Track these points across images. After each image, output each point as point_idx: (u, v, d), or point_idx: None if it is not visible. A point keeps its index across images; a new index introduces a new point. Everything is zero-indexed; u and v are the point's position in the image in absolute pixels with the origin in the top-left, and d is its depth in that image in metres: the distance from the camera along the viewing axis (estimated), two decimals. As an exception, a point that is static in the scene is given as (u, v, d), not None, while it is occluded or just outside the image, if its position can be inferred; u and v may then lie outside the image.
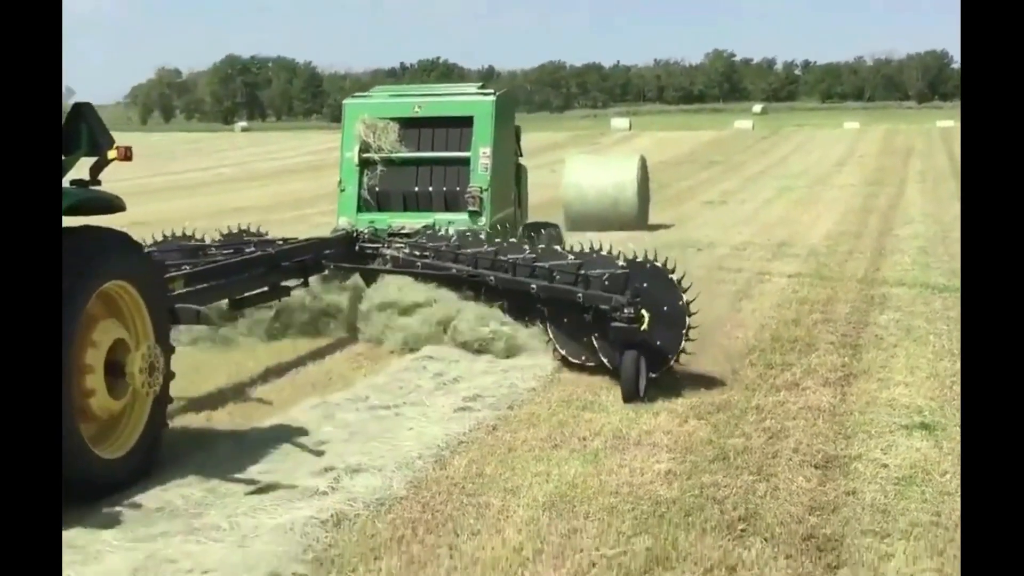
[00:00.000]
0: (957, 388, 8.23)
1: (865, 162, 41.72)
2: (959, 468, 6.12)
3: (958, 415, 7.26)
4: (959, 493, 5.87)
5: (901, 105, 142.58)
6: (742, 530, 5.62)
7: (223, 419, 8.05)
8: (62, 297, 6.04)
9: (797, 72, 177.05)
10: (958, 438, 6.78)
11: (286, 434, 7.48)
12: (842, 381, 8.77)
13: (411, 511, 6.02)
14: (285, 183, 37.91)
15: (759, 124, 79.70)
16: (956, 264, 14.51)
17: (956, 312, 11.22)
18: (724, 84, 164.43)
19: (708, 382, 8.69)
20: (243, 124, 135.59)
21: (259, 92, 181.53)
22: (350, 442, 7.35)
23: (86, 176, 6.82)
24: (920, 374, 8.95)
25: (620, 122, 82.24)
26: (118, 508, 6.10)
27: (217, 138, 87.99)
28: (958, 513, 5.59)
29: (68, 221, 6.39)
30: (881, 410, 7.89)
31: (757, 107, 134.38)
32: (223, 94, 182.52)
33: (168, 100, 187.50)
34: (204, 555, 5.40)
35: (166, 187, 36.33)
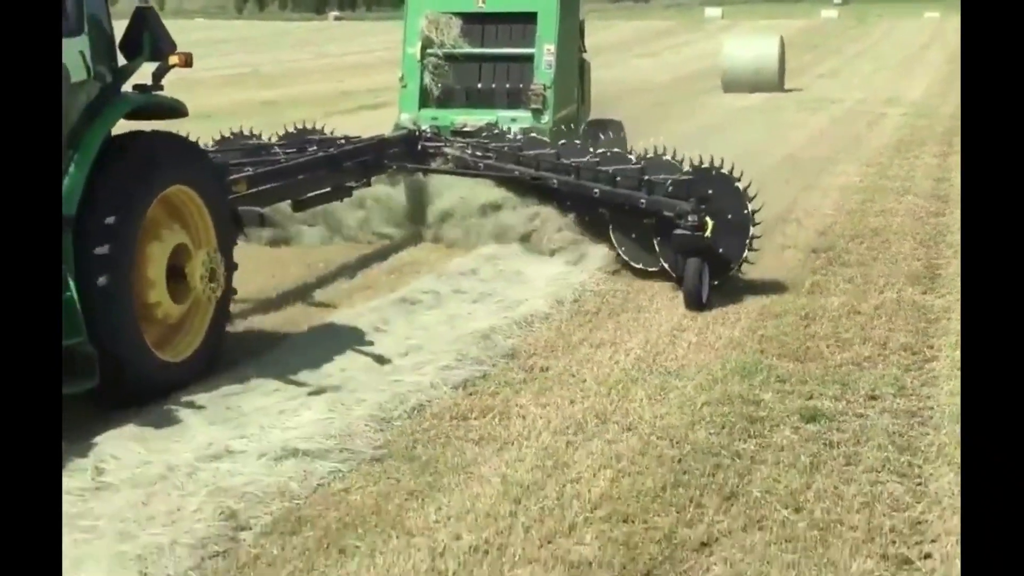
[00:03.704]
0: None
1: (946, 47, 47.49)
2: None
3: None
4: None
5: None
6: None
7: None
8: (124, 203, 6.26)
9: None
10: None
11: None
12: (942, 153, 15.81)
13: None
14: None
15: (842, 14, 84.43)
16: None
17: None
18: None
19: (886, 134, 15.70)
20: (336, 14, 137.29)
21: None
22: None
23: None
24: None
25: (713, 11, 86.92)
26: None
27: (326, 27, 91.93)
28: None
29: (130, 126, 6.66)
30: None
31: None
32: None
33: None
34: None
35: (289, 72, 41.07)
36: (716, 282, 8.64)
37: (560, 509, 5.16)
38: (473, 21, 12.80)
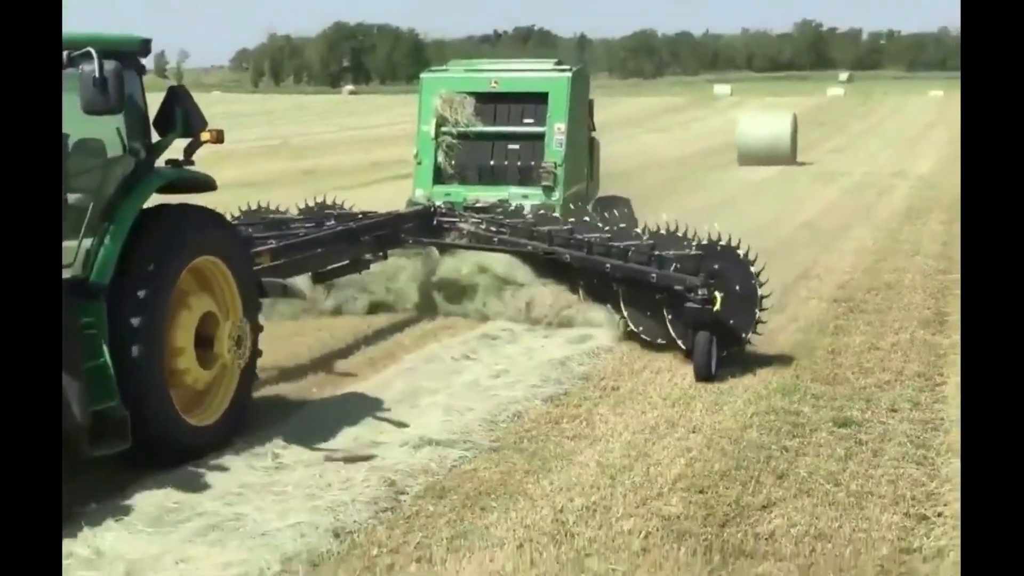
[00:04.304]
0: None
1: (950, 126, 49.26)
2: None
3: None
4: None
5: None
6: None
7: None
8: (156, 275, 6.48)
9: (882, 42, 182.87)
10: None
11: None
12: (947, 220, 17.28)
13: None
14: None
15: (849, 92, 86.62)
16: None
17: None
18: (811, 53, 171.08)
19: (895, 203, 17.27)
20: (350, 88, 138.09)
21: (363, 57, 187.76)
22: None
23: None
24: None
25: (722, 88, 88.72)
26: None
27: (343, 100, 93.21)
28: None
29: (162, 199, 6.96)
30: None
31: (843, 75, 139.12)
32: (330, 59, 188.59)
33: (278, 64, 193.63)
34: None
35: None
36: (725, 353, 8.88)
37: (648, 482, 6.54)
38: (486, 100, 13.13)
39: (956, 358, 9.40)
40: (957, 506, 6.10)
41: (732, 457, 6.98)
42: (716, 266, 8.91)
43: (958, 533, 5.76)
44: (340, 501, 6.19)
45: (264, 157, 34.33)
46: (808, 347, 9.79)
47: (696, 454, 7.03)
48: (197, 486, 6.38)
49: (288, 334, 9.98)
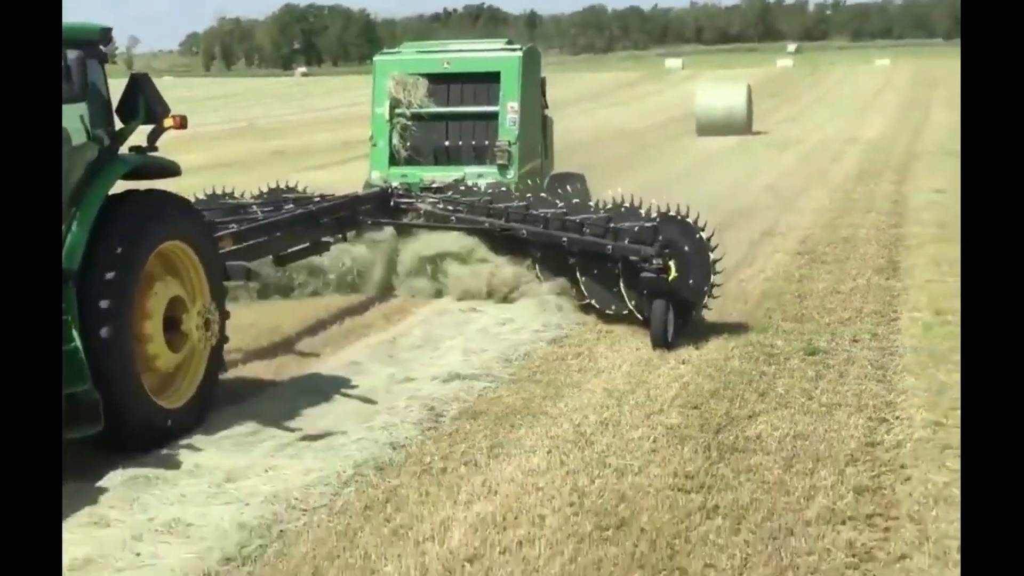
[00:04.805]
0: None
1: (898, 92, 50.78)
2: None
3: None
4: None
5: (928, 43, 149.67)
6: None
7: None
8: (123, 258, 6.54)
9: (828, 12, 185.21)
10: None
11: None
12: (898, 181, 18.52)
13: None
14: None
15: (797, 62, 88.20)
16: (955, 148, 24.19)
17: (955, 163, 20.85)
18: (759, 25, 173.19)
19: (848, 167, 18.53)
20: (302, 70, 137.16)
21: (315, 39, 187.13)
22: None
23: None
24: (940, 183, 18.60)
25: (674, 62, 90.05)
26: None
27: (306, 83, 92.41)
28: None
29: (127, 186, 7.04)
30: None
31: (791, 47, 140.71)
32: (282, 41, 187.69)
33: (229, 48, 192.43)
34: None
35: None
36: (681, 320, 9.10)
37: (649, 402, 7.64)
38: (439, 81, 13.13)
39: (907, 298, 10.59)
40: (912, 411, 7.26)
41: (719, 381, 8.09)
42: (670, 236, 9.07)
43: (913, 430, 6.93)
44: (390, 422, 7.25)
45: (232, 139, 35.08)
46: (776, 293, 10.93)
47: (688, 379, 8.14)
48: (266, 416, 7.38)
49: (284, 307, 10.83)
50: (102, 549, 5.42)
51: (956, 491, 5.89)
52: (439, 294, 11.07)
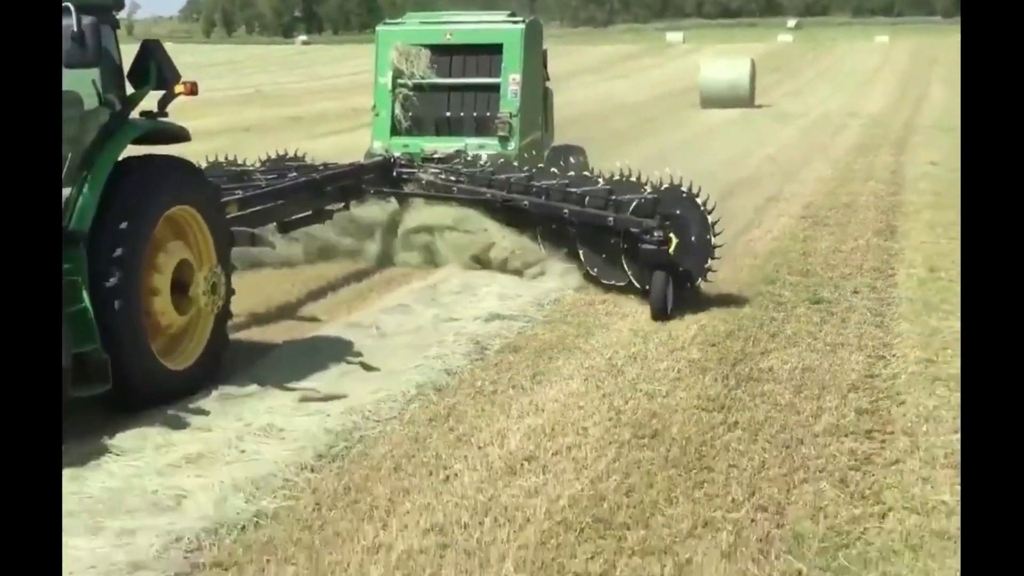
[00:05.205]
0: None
1: (897, 69, 51.52)
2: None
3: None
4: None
5: (928, 20, 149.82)
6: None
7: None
8: (133, 221, 6.63)
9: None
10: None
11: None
12: (896, 153, 19.38)
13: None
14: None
15: (798, 38, 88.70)
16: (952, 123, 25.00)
17: (951, 138, 21.68)
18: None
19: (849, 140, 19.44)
20: (303, 38, 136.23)
21: (316, 7, 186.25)
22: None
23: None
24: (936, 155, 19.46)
25: (675, 36, 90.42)
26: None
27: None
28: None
29: (137, 150, 7.11)
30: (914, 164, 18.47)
31: (791, 22, 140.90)
32: (283, 9, 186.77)
33: (230, 15, 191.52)
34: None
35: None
36: (684, 287, 9.28)
37: (671, 340, 8.52)
38: (441, 53, 13.28)
39: (903, 256, 11.47)
40: (907, 351, 8.15)
41: (733, 324, 8.97)
42: (672, 209, 9.23)
43: (908, 365, 7.82)
44: (442, 353, 8.14)
45: (244, 105, 35.64)
46: (783, 251, 11.81)
47: (705, 323, 9.02)
48: (328, 348, 8.26)
49: (319, 269, 11.24)
50: (210, 447, 6.30)
51: (945, 412, 6.80)
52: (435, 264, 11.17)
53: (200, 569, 4.95)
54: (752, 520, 5.38)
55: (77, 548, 5.02)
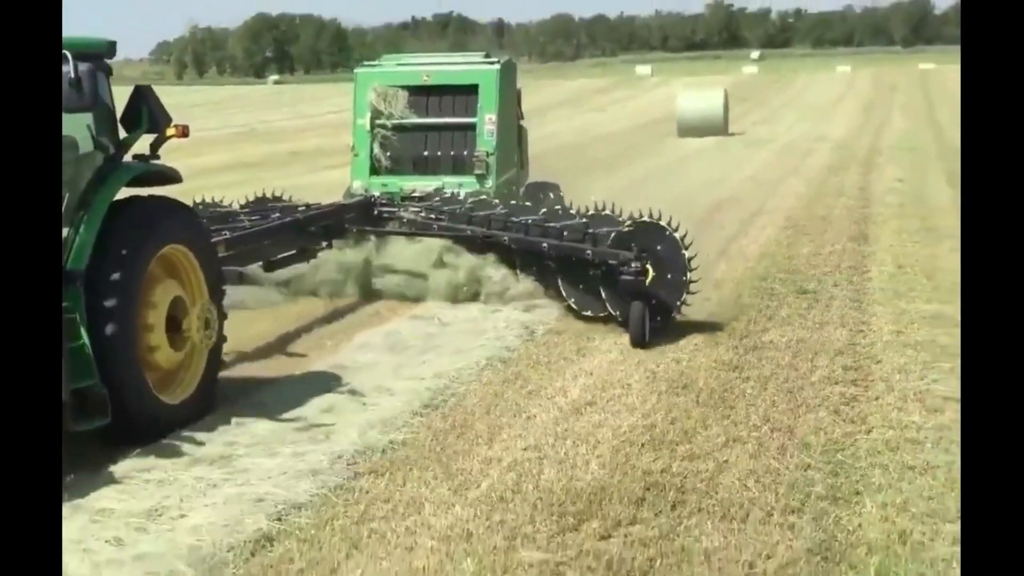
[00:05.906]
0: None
1: (859, 97, 53.75)
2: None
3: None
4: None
5: (887, 50, 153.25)
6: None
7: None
8: (128, 260, 6.81)
9: (791, 20, 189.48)
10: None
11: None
12: (864, 172, 21.28)
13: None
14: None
15: (762, 69, 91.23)
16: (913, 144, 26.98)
17: (913, 157, 23.61)
18: (724, 32, 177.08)
19: (820, 161, 21.31)
20: (275, 78, 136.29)
21: (287, 47, 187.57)
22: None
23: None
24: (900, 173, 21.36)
25: (643, 69, 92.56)
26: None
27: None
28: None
29: (130, 192, 7.33)
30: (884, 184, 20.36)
31: (755, 54, 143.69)
32: (254, 50, 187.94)
33: (201, 56, 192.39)
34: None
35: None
36: (659, 318, 9.60)
37: (687, 322, 10.22)
38: (419, 93, 13.51)
39: (875, 257, 13.27)
40: (881, 325, 9.90)
41: (735, 310, 10.68)
42: (646, 241, 9.58)
43: (882, 335, 9.58)
44: (497, 335, 9.87)
45: (243, 142, 37.12)
46: (771, 254, 13.59)
47: (711, 309, 10.73)
48: (403, 337, 9.93)
49: (317, 304, 11.40)
50: (339, 402, 7.97)
51: (913, 367, 8.55)
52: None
53: (362, 475, 6.59)
54: (770, 436, 7.09)
55: (261, 466, 6.65)
